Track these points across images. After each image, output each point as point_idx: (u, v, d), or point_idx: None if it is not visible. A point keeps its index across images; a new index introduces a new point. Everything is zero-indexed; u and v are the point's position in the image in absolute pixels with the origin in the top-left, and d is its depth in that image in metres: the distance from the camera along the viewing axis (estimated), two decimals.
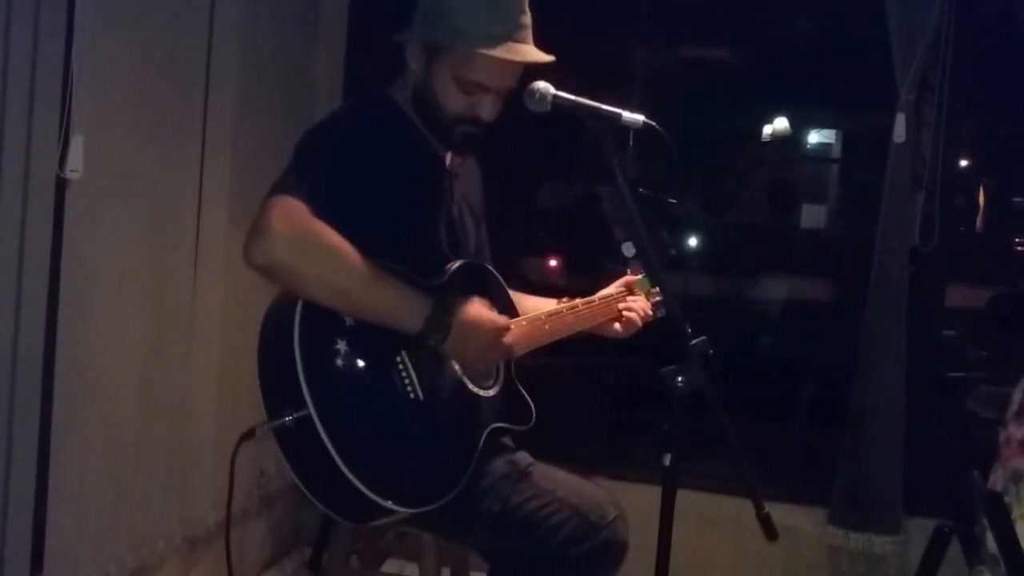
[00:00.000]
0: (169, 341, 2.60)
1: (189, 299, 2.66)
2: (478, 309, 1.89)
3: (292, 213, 1.69)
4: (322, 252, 1.70)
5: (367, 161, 1.84)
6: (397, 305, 1.78)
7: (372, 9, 3.39)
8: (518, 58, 1.90)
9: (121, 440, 2.46)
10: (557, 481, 1.96)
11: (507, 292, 2.13)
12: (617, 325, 2.28)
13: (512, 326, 1.97)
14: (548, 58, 1.94)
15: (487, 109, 1.95)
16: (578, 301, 2.24)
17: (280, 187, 1.74)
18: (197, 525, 2.78)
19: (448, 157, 2.07)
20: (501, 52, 1.88)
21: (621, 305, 2.28)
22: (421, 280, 1.86)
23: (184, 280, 2.64)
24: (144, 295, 2.51)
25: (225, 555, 2.05)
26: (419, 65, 1.94)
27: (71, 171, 2.16)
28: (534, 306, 2.22)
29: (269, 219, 1.68)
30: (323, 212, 1.72)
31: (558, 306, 2.21)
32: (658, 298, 2.31)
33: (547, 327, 2.12)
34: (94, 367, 2.35)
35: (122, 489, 2.48)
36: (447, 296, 1.83)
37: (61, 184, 2.18)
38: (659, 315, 2.30)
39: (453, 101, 1.93)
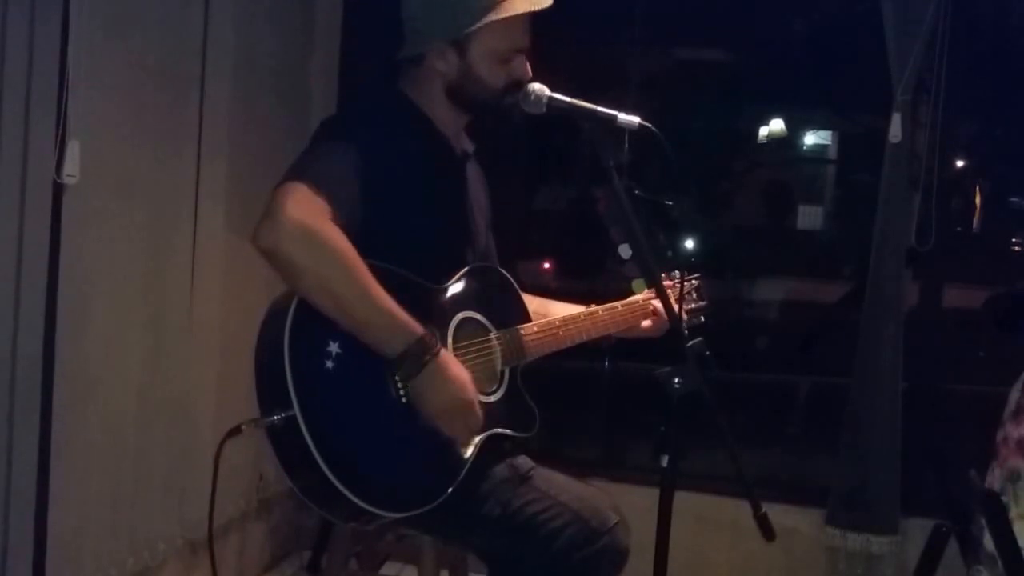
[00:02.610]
0: (168, 344, 2.60)
1: (187, 302, 2.66)
2: (461, 371, 1.82)
3: (306, 205, 1.67)
4: (326, 252, 1.68)
5: (386, 157, 1.83)
6: (383, 325, 1.74)
7: (366, 13, 3.39)
8: (545, 3, 1.92)
9: (121, 443, 2.47)
10: (558, 486, 1.95)
11: (519, 296, 2.10)
12: (647, 322, 2.26)
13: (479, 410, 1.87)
14: None
15: (525, 69, 1.96)
16: (600, 308, 2.21)
17: (296, 173, 1.72)
18: (197, 528, 2.77)
19: (461, 152, 2.07)
20: (527, 4, 1.90)
21: (652, 304, 2.26)
22: (424, 282, 1.85)
23: (182, 284, 2.65)
24: (142, 299, 2.51)
25: (210, 556, 2.03)
26: (452, 62, 1.93)
27: (68, 176, 2.17)
28: (557, 312, 2.19)
29: (283, 205, 1.66)
30: (338, 206, 1.71)
31: (578, 312, 2.19)
32: (695, 305, 2.31)
33: (560, 333, 2.09)
34: (93, 371, 2.35)
35: (122, 492, 2.48)
36: (436, 340, 1.78)
37: (58, 189, 2.19)
38: (695, 322, 2.31)
39: (497, 77, 1.94)
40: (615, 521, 1.93)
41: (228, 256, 2.78)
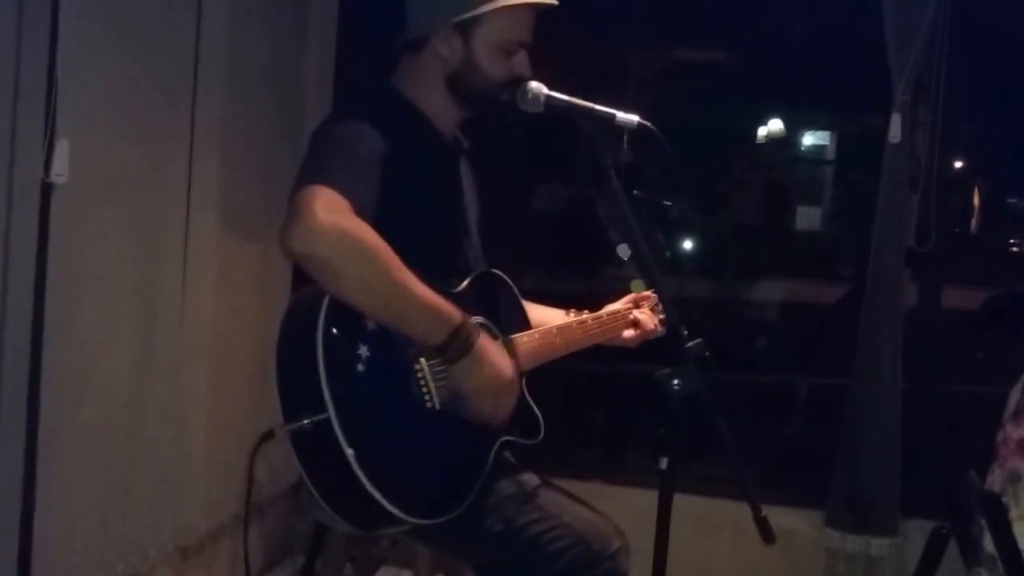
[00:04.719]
0: (158, 347, 2.58)
1: (178, 305, 2.64)
2: (500, 351, 1.86)
3: (334, 205, 1.66)
4: (363, 252, 1.67)
5: (387, 155, 1.81)
6: (424, 317, 1.74)
7: (362, 13, 3.37)
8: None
9: (111, 448, 2.44)
10: (563, 506, 1.94)
11: (521, 304, 2.10)
12: (628, 332, 2.27)
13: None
14: None
15: (526, 65, 1.95)
16: (587, 316, 2.22)
17: (313, 176, 1.70)
18: (188, 533, 2.76)
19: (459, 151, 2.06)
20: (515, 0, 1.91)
21: (633, 314, 2.28)
22: (441, 287, 1.83)
23: (173, 285, 2.62)
24: (132, 301, 2.49)
25: (243, 555, 2.03)
26: (455, 47, 1.92)
27: (56, 175, 2.14)
28: (540, 316, 2.19)
29: (312, 208, 1.64)
30: (359, 205, 1.69)
31: (567, 319, 2.19)
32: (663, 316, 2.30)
33: (558, 341, 2.10)
34: (82, 374, 2.33)
35: (112, 498, 2.46)
36: (474, 324, 1.80)
37: (46, 189, 2.15)
38: (661, 334, 2.30)
39: (499, 68, 1.93)
40: (617, 547, 1.91)
41: (220, 257, 2.76)
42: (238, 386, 2.82)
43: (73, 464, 2.32)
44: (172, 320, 2.62)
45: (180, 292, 2.64)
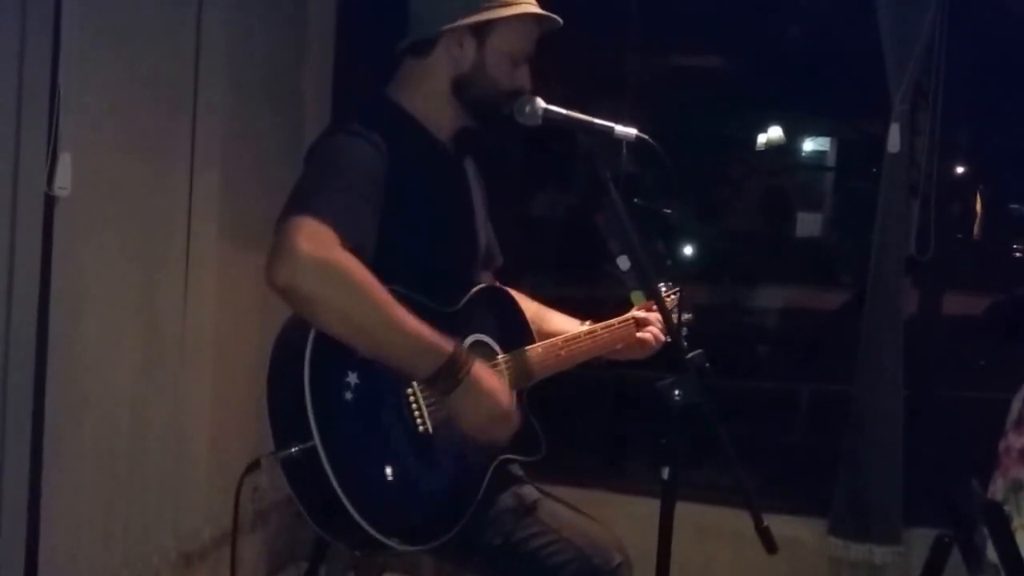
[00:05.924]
0: (161, 356, 2.59)
1: (180, 315, 2.65)
2: (494, 380, 1.81)
3: (319, 238, 1.62)
4: (346, 285, 1.63)
5: (385, 174, 1.78)
6: (411, 349, 1.70)
7: (360, 22, 3.38)
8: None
9: (114, 456, 2.46)
10: (563, 520, 1.93)
11: (523, 316, 2.07)
12: (642, 334, 2.24)
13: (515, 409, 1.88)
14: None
15: (527, 78, 1.94)
16: (598, 326, 2.19)
17: (301, 206, 1.66)
18: (192, 540, 2.77)
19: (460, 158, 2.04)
20: (532, 9, 1.91)
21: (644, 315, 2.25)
22: (437, 307, 1.82)
23: (175, 296, 2.64)
24: (135, 311, 2.50)
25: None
26: (468, 51, 1.90)
27: (59, 189, 2.16)
28: (558, 324, 2.18)
29: (295, 241, 1.60)
30: (347, 235, 1.66)
31: (578, 331, 2.16)
32: (687, 316, 2.28)
33: (563, 353, 2.07)
34: (86, 384, 2.34)
35: (116, 505, 2.47)
36: (466, 354, 1.76)
37: (50, 202, 2.17)
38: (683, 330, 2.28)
39: (505, 77, 1.92)
40: (619, 561, 1.91)
41: (221, 267, 2.77)
42: (240, 393, 2.83)
43: (77, 471, 2.33)
44: (174, 329, 2.63)
45: (182, 302, 2.65)
